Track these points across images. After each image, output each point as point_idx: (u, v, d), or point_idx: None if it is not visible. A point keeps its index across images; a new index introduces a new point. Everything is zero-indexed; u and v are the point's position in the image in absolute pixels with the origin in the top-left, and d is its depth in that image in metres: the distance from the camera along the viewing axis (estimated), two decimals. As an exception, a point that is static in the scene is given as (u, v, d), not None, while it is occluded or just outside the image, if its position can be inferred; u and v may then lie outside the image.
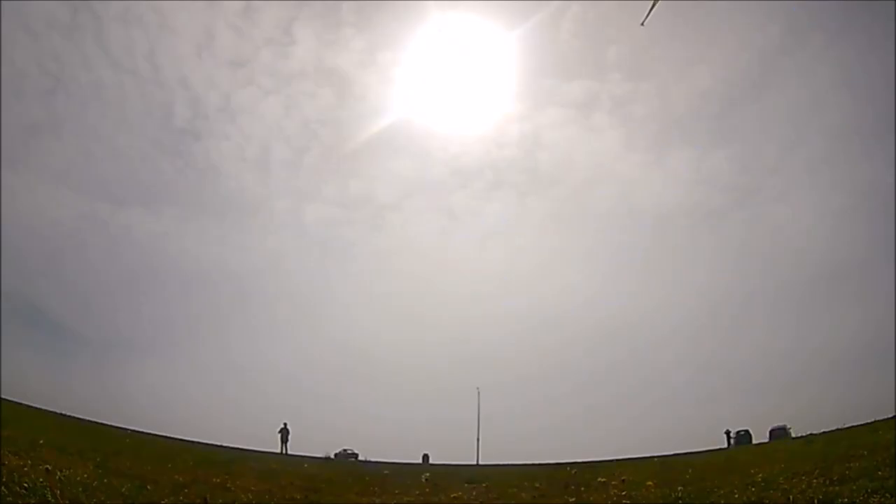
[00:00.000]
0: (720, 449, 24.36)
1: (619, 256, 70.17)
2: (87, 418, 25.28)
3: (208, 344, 65.57)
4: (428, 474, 13.00)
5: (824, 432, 16.72)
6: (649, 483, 8.49)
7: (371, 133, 68.69)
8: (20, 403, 21.15)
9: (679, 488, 7.58)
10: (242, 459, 17.23)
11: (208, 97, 72.05)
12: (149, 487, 6.88)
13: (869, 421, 15.01)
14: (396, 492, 10.40)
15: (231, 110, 71.82)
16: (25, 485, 4.95)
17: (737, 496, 6.28)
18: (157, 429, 26.16)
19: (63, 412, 24.52)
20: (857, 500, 4.95)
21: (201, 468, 11.03)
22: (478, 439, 36.01)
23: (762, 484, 6.81)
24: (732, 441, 28.28)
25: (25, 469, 5.69)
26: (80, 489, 5.63)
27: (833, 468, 6.85)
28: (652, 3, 6.08)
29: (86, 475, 6.60)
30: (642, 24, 7.21)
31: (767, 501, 5.75)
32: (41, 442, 9.12)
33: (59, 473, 5.89)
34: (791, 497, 5.62)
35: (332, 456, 31.78)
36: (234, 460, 15.90)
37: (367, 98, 79.38)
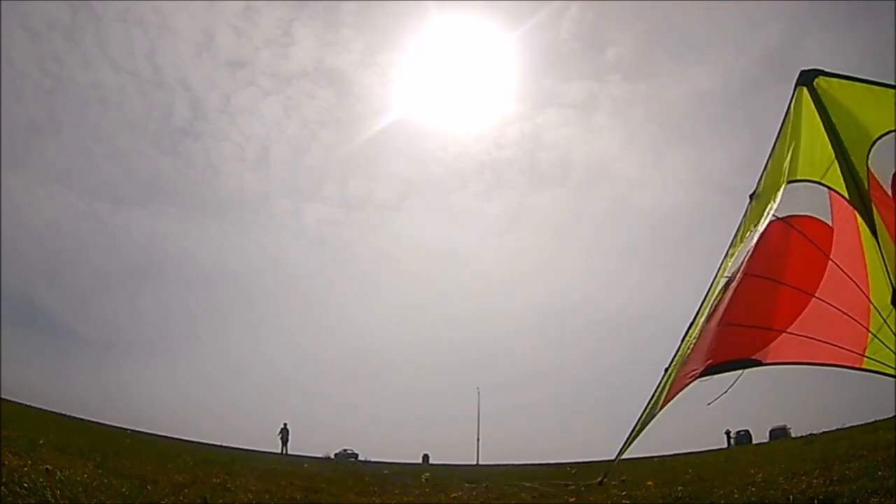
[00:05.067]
0: (720, 449, 24.36)
1: (618, 256, 70.36)
2: (87, 418, 25.35)
3: (208, 344, 65.69)
4: (428, 474, 13.04)
5: (824, 432, 16.73)
6: (649, 483, 8.50)
7: (371, 133, 68.92)
8: (20, 403, 21.17)
9: (679, 488, 7.58)
10: (242, 459, 17.23)
11: (208, 97, 72.32)
12: (149, 487, 6.88)
13: (869, 421, 15.01)
14: (396, 492, 10.40)
15: (231, 111, 72.07)
16: (25, 485, 4.95)
17: (737, 496, 6.28)
18: (157, 429, 26.31)
19: (63, 412, 24.58)
20: (857, 500, 4.95)
21: (201, 468, 11.02)
22: (478, 439, 36.09)
23: (762, 484, 6.81)
24: (732, 441, 28.30)
25: (25, 469, 5.69)
26: (80, 489, 5.62)
27: (833, 468, 6.85)
28: (616, 459, 5.64)
29: (86, 475, 6.60)
30: (600, 483, 6.93)
31: (767, 501, 5.75)
32: (41, 442, 9.12)
33: (59, 473, 5.89)
34: (791, 497, 5.62)
35: (332, 456, 31.85)
36: (234, 460, 15.90)
37: (366, 98, 79.73)
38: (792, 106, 4.56)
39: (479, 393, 38.38)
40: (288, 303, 76.15)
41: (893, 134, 3.99)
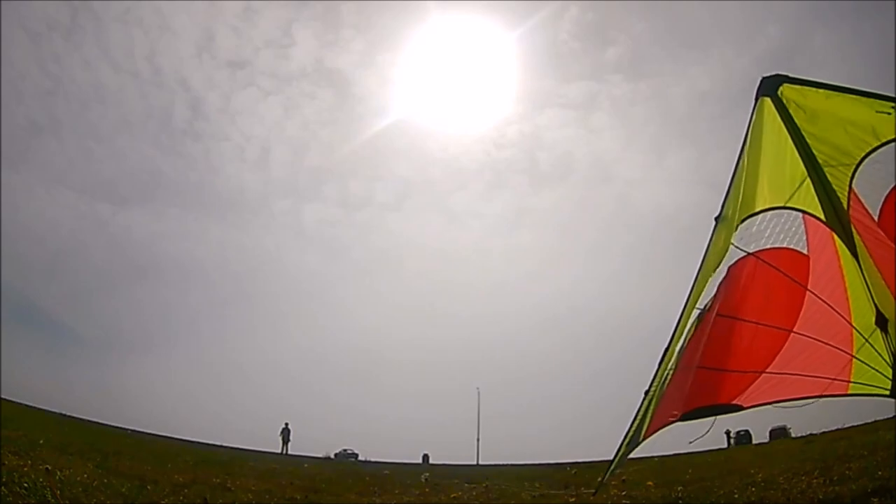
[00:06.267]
0: (720, 449, 24.30)
1: (619, 257, 70.32)
2: (87, 418, 25.38)
3: (208, 344, 65.68)
4: (428, 474, 13.01)
5: (824, 432, 16.69)
6: (649, 483, 8.47)
7: (371, 133, 68.96)
8: (20, 403, 21.18)
9: (679, 488, 7.56)
10: (242, 459, 17.24)
11: (208, 98, 72.30)
12: (149, 487, 6.88)
13: (869, 421, 14.98)
14: (396, 492, 10.40)
15: (231, 111, 72.05)
16: (25, 485, 4.95)
17: (737, 496, 6.27)
18: (157, 429, 26.35)
19: (63, 412, 24.60)
20: (857, 500, 4.94)
21: (201, 468, 11.03)
22: (478, 439, 36.08)
23: (762, 484, 6.80)
24: (732, 441, 28.27)
25: (25, 469, 5.69)
26: (80, 489, 5.63)
27: (833, 468, 6.84)
28: (612, 464, 5.39)
29: (86, 475, 6.60)
30: (594, 494, 6.80)
31: (767, 501, 5.74)
32: (41, 442, 9.13)
33: (59, 473, 5.89)
34: (791, 497, 5.61)
35: (332, 456, 31.83)
36: (234, 460, 15.92)
37: (366, 99, 79.70)
38: (754, 119, 4.11)
39: (479, 393, 38.37)
40: (288, 303, 76.21)
41: (882, 152, 3.51)
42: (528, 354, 65.48)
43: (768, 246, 4.27)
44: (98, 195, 73.40)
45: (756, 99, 4.05)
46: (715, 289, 4.37)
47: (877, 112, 3.42)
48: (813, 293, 4.27)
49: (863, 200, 3.73)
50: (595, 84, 70.70)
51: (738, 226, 4.19)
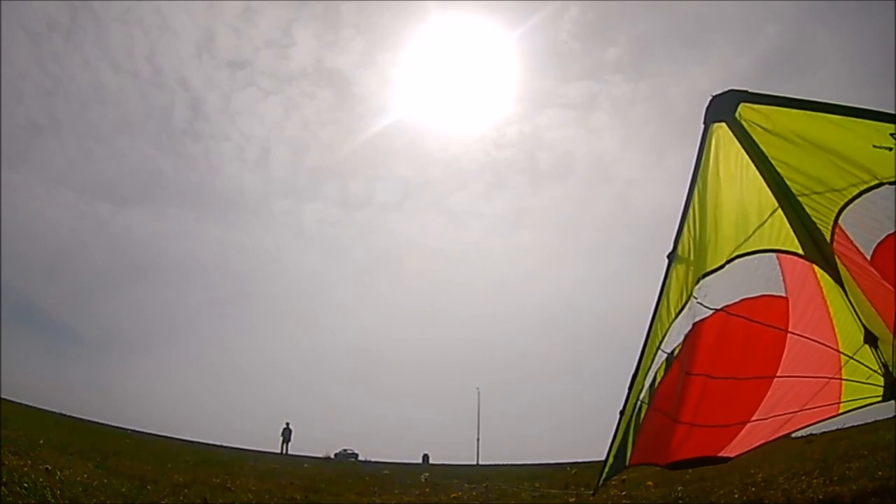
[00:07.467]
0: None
1: (619, 257, 70.25)
2: (87, 418, 25.38)
3: (208, 344, 65.66)
4: (428, 474, 13.03)
5: (824, 432, 16.66)
6: (649, 483, 8.46)
7: (371, 134, 68.91)
8: (20, 403, 21.18)
9: (679, 488, 7.55)
10: (242, 459, 17.24)
11: (208, 98, 72.23)
12: (149, 487, 6.88)
13: (869, 421, 14.94)
14: (396, 492, 10.40)
15: (231, 111, 72.00)
16: (25, 485, 4.95)
17: (737, 496, 6.26)
18: (157, 429, 26.35)
19: (63, 412, 24.61)
20: (857, 500, 4.94)
21: (201, 468, 11.03)
22: (478, 439, 36.06)
23: (762, 484, 6.79)
24: (732, 441, 28.27)
25: (25, 469, 5.69)
26: (80, 489, 5.63)
27: (833, 468, 6.84)
28: (604, 471, 5.13)
29: (86, 475, 6.60)
30: (593, 494, 6.78)
31: (767, 501, 5.74)
32: (41, 442, 9.13)
33: (59, 473, 5.89)
34: (791, 497, 5.61)
35: (332, 456, 31.81)
36: (234, 460, 15.91)
37: (366, 99, 79.62)
38: (704, 151, 3.66)
39: (479, 393, 38.38)
40: (288, 302, 76.22)
41: (879, 192, 3.05)
42: (528, 354, 65.52)
43: (741, 297, 3.93)
44: (98, 195, 73.42)
45: (706, 123, 3.50)
46: (681, 338, 4.07)
47: (874, 147, 2.93)
48: (794, 334, 4.01)
49: (851, 238, 3.34)
50: (595, 84, 70.76)
51: (699, 280, 3.86)
